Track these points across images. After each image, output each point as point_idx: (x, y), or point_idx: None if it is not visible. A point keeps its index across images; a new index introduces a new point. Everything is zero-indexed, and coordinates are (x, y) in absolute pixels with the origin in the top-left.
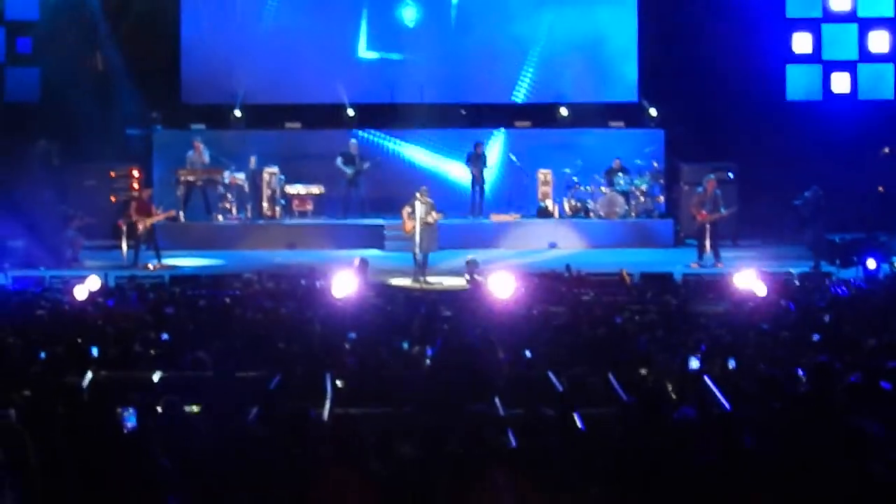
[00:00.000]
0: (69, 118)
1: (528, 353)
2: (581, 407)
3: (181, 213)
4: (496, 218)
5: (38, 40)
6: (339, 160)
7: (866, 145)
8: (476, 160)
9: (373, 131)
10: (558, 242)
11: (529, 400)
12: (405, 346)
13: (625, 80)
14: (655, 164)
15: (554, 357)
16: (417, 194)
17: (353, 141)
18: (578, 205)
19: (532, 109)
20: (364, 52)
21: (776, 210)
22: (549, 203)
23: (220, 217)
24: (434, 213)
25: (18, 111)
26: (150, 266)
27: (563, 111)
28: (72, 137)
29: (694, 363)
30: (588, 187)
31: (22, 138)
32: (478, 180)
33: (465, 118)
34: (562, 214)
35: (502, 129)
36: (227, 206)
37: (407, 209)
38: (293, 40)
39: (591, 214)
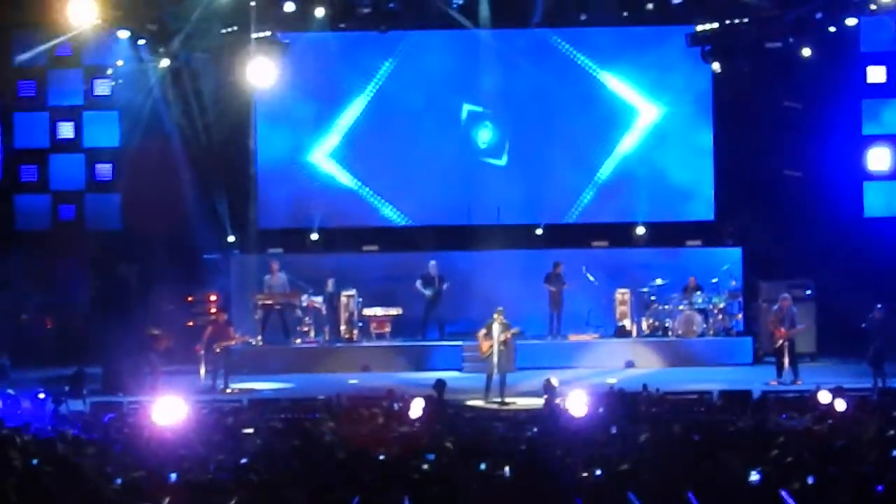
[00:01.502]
0: (148, 243)
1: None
2: None
3: (259, 338)
4: (574, 338)
5: (118, 167)
6: (418, 282)
7: None
8: (555, 279)
9: (451, 253)
10: (636, 361)
11: None
12: (482, 466)
13: (701, 199)
14: (733, 282)
15: (632, 475)
16: (494, 315)
17: (433, 262)
18: (657, 323)
19: (609, 229)
20: (439, 172)
21: (854, 327)
22: (626, 322)
23: (298, 340)
24: (510, 331)
25: (100, 238)
26: (228, 390)
27: (640, 230)
28: (151, 262)
29: (754, 476)
30: (666, 306)
31: (104, 264)
32: (556, 300)
33: (541, 238)
34: (640, 333)
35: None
36: (305, 329)
37: (482, 331)
38: (371, 162)
39: (670, 333)
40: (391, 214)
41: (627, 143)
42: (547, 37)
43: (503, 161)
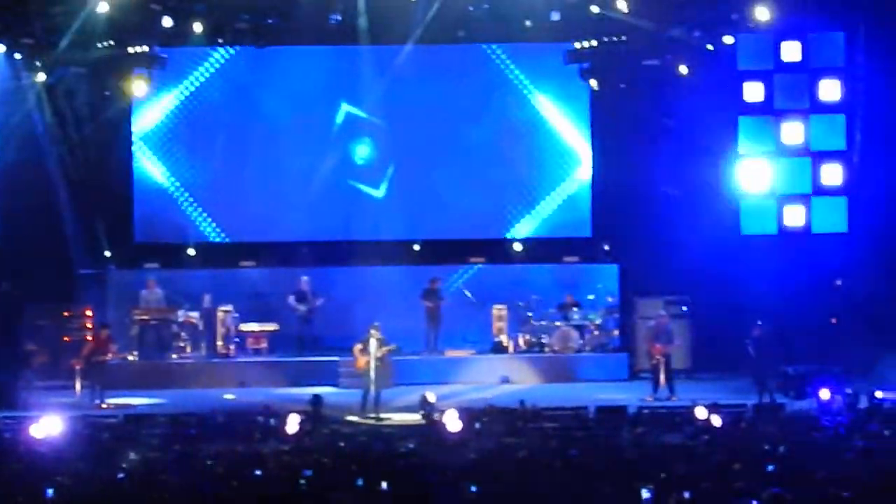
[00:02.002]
0: (24, 259)
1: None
2: None
3: (135, 353)
4: (451, 353)
5: None
6: (291, 298)
7: (819, 278)
8: (431, 295)
9: (327, 269)
10: (513, 377)
11: None
12: (360, 482)
13: (578, 216)
14: (610, 299)
15: (512, 490)
16: (370, 330)
17: (305, 278)
18: (533, 339)
19: (486, 245)
20: (316, 188)
21: (730, 343)
22: (503, 338)
23: (175, 356)
24: (386, 347)
25: None
26: (104, 405)
27: (517, 247)
28: (26, 277)
29: (645, 494)
30: (543, 322)
31: None
32: (433, 316)
33: (419, 255)
34: (517, 349)
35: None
36: (182, 344)
37: (359, 346)
38: (247, 178)
39: (546, 349)
40: (266, 229)
41: (504, 158)
42: (427, 53)
43: (380, 191)
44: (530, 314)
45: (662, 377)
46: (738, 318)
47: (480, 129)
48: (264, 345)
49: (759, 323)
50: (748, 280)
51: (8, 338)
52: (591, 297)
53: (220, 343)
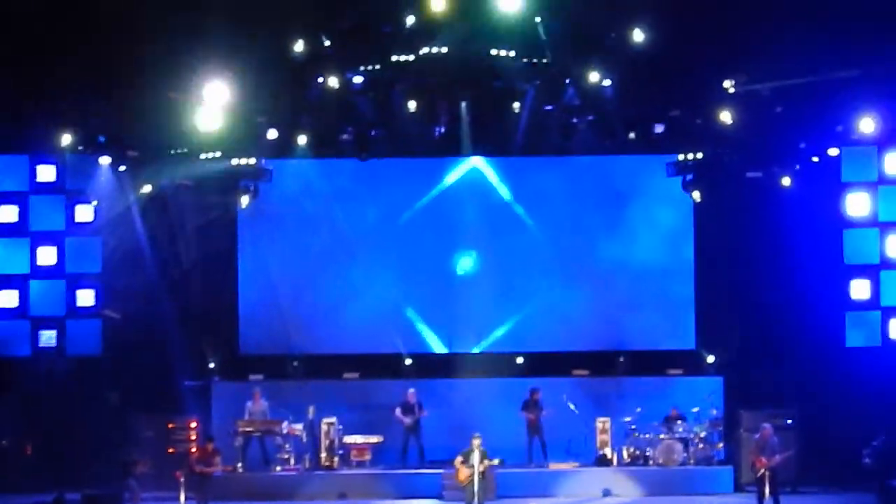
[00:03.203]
0: (129, 370)
1: None
2: None
3: (240, 464)
4: (554, 466)
5: (99, 293)
6: (398, 410)
7: None
8: (532, 407)
9: (430, 381)
10: (616, 490)
11: None
12: None
13: (682, 328)
14: (714, 411)
15: None
16: (473, 442)
17: (412, 390)
18: (637, 452)
19: (590, 357)
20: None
21: (837, 457)
22: (607, 451)
23: (279, 468)
24: (488, 461)
25: (80, 363)
26: None
27: (621, 359)
28: (131, 389)
29: None
30: (647, 435)
31: (84, 391)
32: (534, 427)
33: (521, 367)
34: (620, 462)
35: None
36: (286, 456)
37: (459, 458)
38: (350, 289)
39: (650, 462)
40: (370, 340)
41: (611, 271)
42: (529, 164)
43: (481, 288)
44: (634, 427)
45: (767, 490)
46: (844, 432)
47: (583, 240)
48: (367, 456)
49: (882, 436)
50: (853, 393)
51: (113, 449)
52: (695, 409)
53: (323, 455)
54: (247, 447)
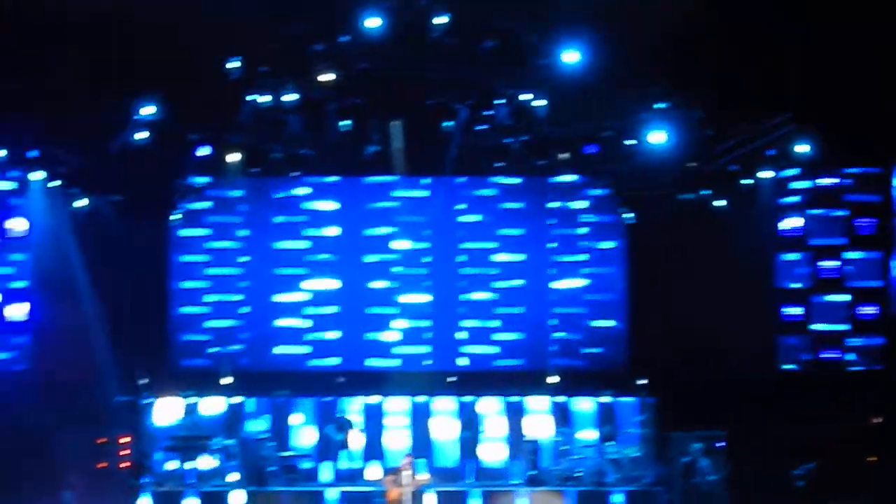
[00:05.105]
0: (59, 385)
1: None
2: None
3: None
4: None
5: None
6: (330, 427)
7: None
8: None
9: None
10: None
11: None
12: None
13: (613, 349)
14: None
15: None
16: (403, 461)
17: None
18: (568, 474)
19: (520, 377)
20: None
21: (770, 480)
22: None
23: None
24: (419, 476)
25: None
26: None
27: (551, 379)
28: (62, 404)
29: None
30: (576, 456)
31: (12, 406)
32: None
33: (453, 386)
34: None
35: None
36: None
37: (390, 477)
38: (282, 307)
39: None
40: (300, 358)
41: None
42: (462, 185)
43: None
44: (566, 447)
45: None
46: (776, 455)
47: (513, 259)
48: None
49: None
50: (785, 415)
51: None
52: (626, 431)
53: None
54: None
